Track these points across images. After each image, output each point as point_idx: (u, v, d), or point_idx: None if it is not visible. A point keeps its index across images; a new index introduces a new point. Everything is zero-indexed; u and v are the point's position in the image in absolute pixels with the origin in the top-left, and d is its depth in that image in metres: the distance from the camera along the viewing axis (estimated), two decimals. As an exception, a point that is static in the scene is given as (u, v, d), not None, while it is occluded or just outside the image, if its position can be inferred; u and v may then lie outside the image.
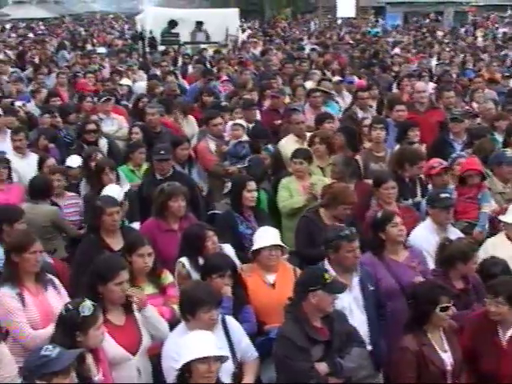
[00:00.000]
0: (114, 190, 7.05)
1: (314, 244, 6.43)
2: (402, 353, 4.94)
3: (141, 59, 19.22)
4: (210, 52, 19.65)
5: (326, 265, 5.55)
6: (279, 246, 5.84)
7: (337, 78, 13.41)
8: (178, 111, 10.59)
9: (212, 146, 9.02)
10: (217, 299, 4.89)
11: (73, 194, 7.89)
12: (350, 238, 5.52)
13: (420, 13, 43.62)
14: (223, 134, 9.18)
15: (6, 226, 6.19)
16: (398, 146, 8.64)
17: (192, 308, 4.79)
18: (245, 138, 9.03)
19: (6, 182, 7.86)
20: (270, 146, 9.10)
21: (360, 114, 10.69)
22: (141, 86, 13.96)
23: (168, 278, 5.68)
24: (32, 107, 11.71)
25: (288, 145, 8.83)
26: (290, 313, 4.95)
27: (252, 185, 6.90)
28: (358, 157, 8.34)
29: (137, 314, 5.05)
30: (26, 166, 8.38)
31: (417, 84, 11.53)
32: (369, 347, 5.39)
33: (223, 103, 11.31)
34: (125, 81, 13.89)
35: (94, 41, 27.95)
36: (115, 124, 10.52)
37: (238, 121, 9.43)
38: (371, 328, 5.48)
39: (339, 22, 43.54)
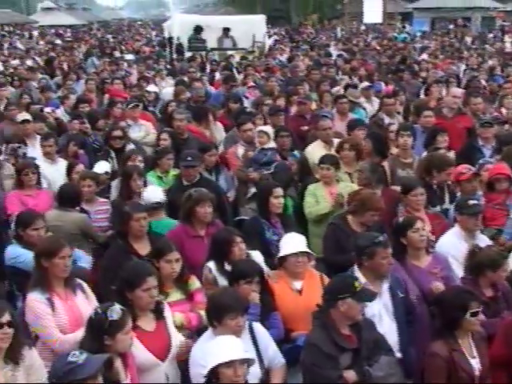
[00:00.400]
0: (157, 191, 7.17)
1: (342, 251, 6.41)
2: (433, 358, 4.91)
3: (168, 66, 19.31)
4: (237, 58, 19.69)
5: (356, 271, 5.53)
6: (306, 252, 5.82)
7: (365, 84, 13.37)
8: (208, 117, 10.60)
9: (240, 151, 9.05)
10: (244, 306, 4.89)
11: (104, 199, 7.88)
12: (385, 244, 5.51)
13: (447, 18, 43.41)
14: (254, 139, 9.21)
15: (20, 231, 6.33)
16: (425, 153, 8.59)
17: (219, 314, 4.80)
18: (271, 144, 9.03)
19: (35, 187, 7.90)
20: (296, 152, 9.11)
21: (386, 120, 10.65)
22: (168, 91, 14.03)
23: (195, 283, 5.69)
24: (61, 113, 11.81)
25: (315, 151, 8.80)
26: (318, 320, 4.94)
27: (279, 191, 6.89)
28: (385, 163, 8.30)
29: (167, 320, 5.08)
30: (55, 172, 8.42)
31: (453, 89, 11.52)
32: (398, 355, 5.34)
33: (249, 109, 11.33)
34: (151, 87, 13.96)
35: (122, 48, 28.11)
36: (143, 130, 10.56)
37: (263, 128, 9.42)
38: (401, 335, 5.44)
39: (362, 27, 43.41)
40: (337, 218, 6.86)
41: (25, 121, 9.78)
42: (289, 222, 6.99)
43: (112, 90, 13.87)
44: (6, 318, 4.30)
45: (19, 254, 6.21)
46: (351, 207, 6.75)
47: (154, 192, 7.21)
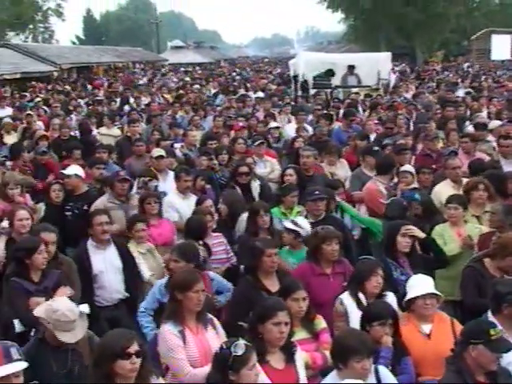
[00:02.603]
0: (304, 223, 7.22)
1: (481, 295, 6.22)
2: None
3: (293, 103, 19.52)
4: (362, 96, 19.66)
5: (490, 318, 5.35)
6: (434, 294, 5.68)
7: (495, 123, 13.00)
8: (333, 154, 10.63)
9: (382, 188, 8.91)
10: (370, 348, 4.77)
11: (217, 233, 7.99)
12: None
13: None
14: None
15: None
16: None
17: (344, 356, 4.71)
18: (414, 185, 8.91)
19: (157, 216, 8.23)
20: (416, 195, 8.83)
21: (503, 161, 10.29)
22: (291, 128, 14.19)
23: (321, 323, 5.64)
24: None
25: (443, 190, 8.62)
26: (452, 364, 4.78)
27: (407, 229, 6.76)
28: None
29: (297, 361, 5.06)
30: (186, 207, 8.61)
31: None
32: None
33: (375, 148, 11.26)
34: (273, 124, 14.03)
35: (248, 85, 28.67)
36: (268, 166, 10.74)
37: (408, 168, 9.26)
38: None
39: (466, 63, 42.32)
40: (474, 261, 6.65)
41: (159, 156, 10.13)
42: (417, 261, 6.81)
43: (235, 125, 14.19)
44: (134, 347, 4.37)
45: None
46: (491, 250, 6.54)
47: (303, 225, 7.25)
